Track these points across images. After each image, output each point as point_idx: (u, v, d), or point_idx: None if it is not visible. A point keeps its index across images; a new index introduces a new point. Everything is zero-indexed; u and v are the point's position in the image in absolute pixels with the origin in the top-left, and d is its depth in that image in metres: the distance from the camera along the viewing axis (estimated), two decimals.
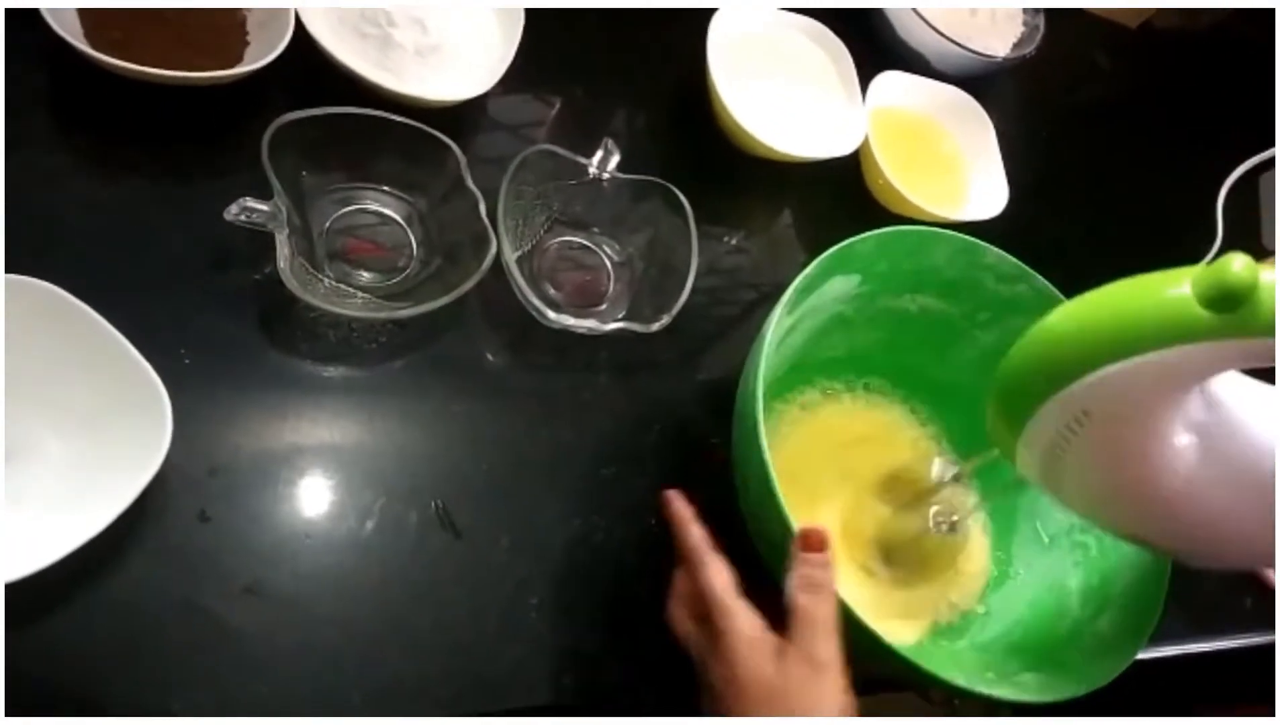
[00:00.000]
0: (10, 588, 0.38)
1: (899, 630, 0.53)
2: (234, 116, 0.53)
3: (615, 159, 0.57)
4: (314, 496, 0.48)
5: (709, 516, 0.52)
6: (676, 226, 0.58)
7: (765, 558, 0.46)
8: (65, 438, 0.43)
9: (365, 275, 0.53)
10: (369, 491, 0.49)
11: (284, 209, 0.47)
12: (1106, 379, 0.33)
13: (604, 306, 0.59)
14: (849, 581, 0.54)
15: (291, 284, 0.46)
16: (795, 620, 0.39)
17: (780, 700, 0.38)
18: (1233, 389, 0.36)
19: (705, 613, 0.42)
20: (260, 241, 0.48)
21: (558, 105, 0.65)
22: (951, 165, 0.74)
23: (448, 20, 0.57)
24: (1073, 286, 0.37)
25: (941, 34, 0.74)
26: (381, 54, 0.55)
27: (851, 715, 0.38)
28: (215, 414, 0.47)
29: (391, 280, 0.53)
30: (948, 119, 0.75)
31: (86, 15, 0.50)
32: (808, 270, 0.47)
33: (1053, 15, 0.83)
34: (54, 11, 0.47)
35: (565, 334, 0.54)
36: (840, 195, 0.70)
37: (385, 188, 0.55)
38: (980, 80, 0.77)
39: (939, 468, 0.52)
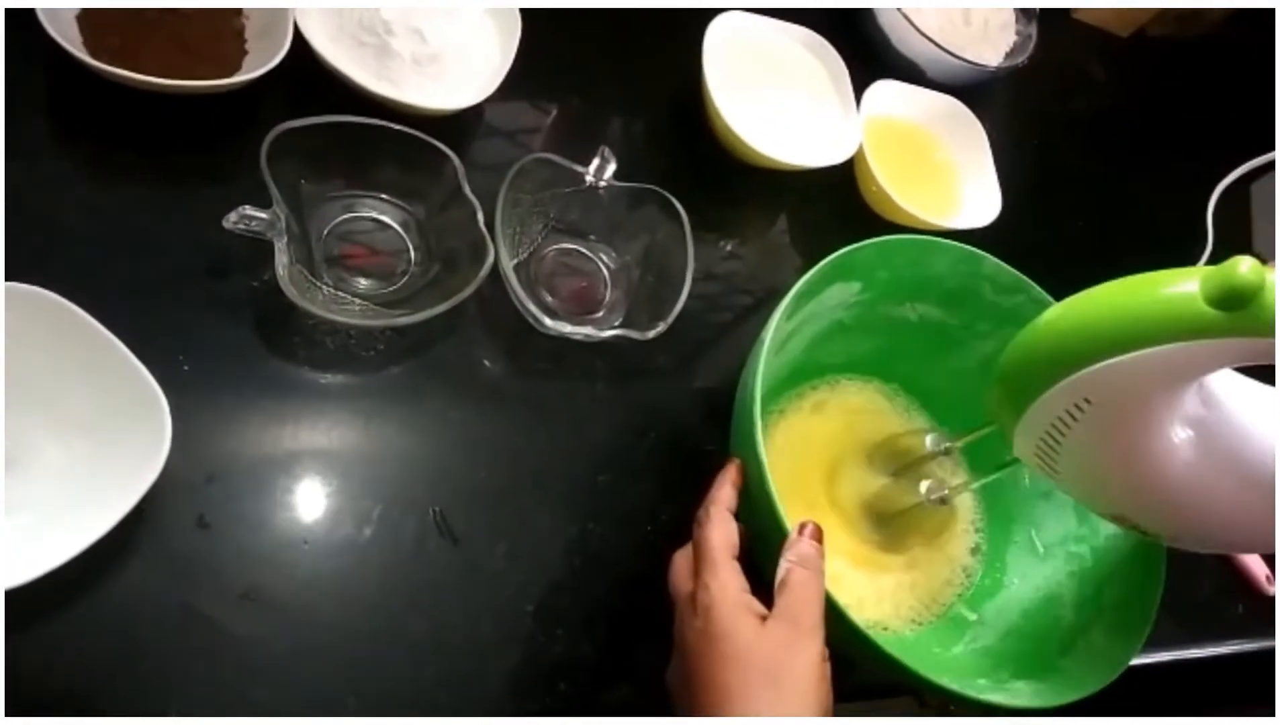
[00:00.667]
0: (10, 592, 0.38)
1: (888, 616, 0.54)
2: (233, 124, 0.54)
3: (612, 167, 0.58)
4: (312, 503, 0.48)
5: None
6: (672, 234, 0.58)
7: (760, 563, 0.46)
8: (65, 444, 0.43)
9: (363, 282, 0.53)
10: (367, 498, 0.49)
11: (283, 217, 0.47)
12: (1110, 369, 0.34)
13: (601, 314, 0.60)
14: (840, 552, 0.54)
15: (290, 292, 0.46)
16: (784, 589, 0.40)
17: (756, 657, 0.38)
18: (1229, 387, 0.38)
19: (697, 567, 0.42)
20: (259, 248, 0.48)
21: (554, 113, 0.65)
22: (945, 173, 0.75)
23: (446, 29, 0.57)
24: (1065, 294, 0.38)
25: (935, 43, 0.74)
26: (380, 63, 0.55)
27: (826, 681, 0.38)
28: (214, 420, 0.48)
29: (389, 287, 0.54)
30: (941, 127, 0.75)
31: (85, 22, 0.50)
32: (808, 276, 0.47)
33: (1045, 24, 0.84)
34: (52, 17, 0.47)
35: (562, 341, 0.55)
36: (835, 203, 0.71)
37: (383, 195, 0.55)
38: (973, 89, 0.78)
39: (932, 440, 0.53)
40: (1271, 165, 0.85)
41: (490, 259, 0.51)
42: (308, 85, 0.54)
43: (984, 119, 0.75)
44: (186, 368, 0.48)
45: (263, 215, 0.47)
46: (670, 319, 0.55)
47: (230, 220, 0.46)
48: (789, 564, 0.41)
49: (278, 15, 0.53)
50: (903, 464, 0.54)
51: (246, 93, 0.52)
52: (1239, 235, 0.87)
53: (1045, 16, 0.84)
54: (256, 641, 0.44)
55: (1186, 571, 0.50)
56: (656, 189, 0.59)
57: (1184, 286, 0.32)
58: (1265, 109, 0.90)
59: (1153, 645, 0.47)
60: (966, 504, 0.59)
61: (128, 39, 0.50)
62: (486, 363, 0.55)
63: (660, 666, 0.44)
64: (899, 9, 0.74)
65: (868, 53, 0.77)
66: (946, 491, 0.52)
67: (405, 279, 0.54)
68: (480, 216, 0.53)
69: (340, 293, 0.51)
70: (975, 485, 0.55)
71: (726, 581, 0.41)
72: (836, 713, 0.39)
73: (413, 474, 0.51)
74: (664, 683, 0.43)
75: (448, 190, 0.54)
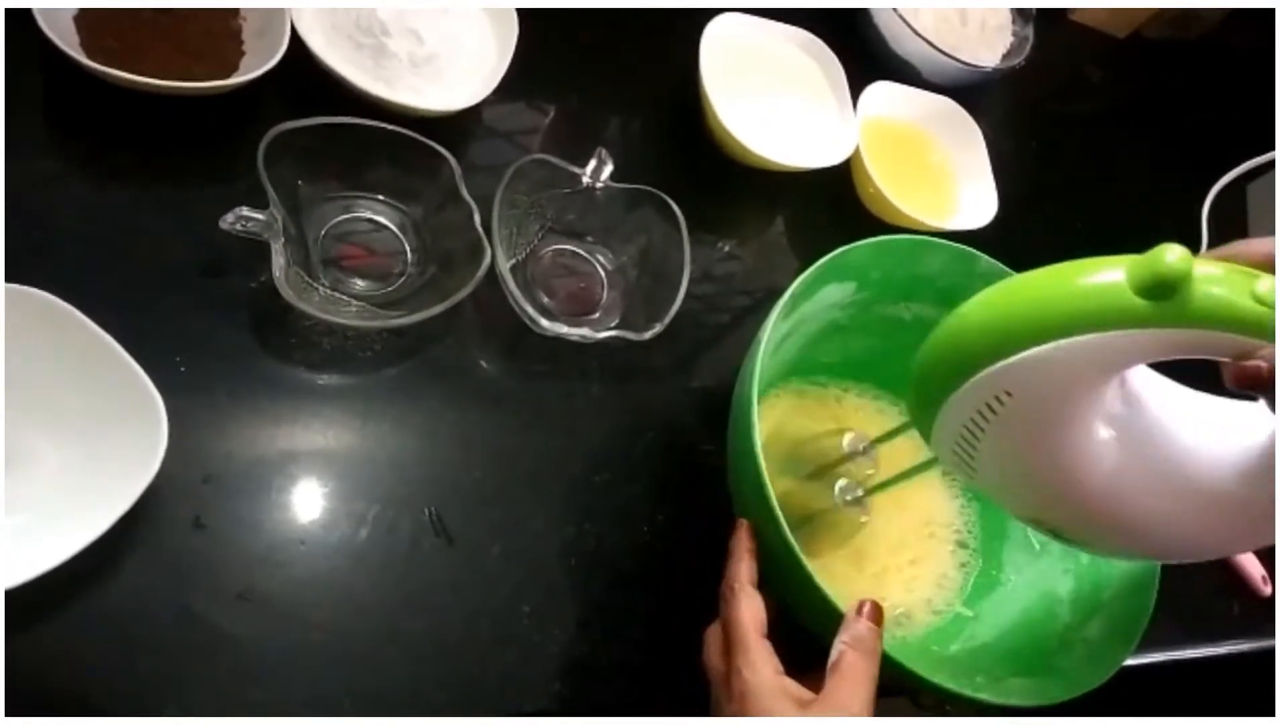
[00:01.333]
0: (9, 592, 0.38)
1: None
2: (230, 124, 0.54)
3: (609, 168, 0.58)
4: (308, 503, 0.48)
5: (700, 522, 0.53)
6: (669, 235, 0.59)
7: (772, 586, 0.46)
8: (61, 445, 0.43)
9: (360, 283, 0.53)
10: (363, 498, 0.49)
11: (279, 218, 0.47)
12: (1031, 360, 0.33)
13: (597, 315, 0.60)
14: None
15: (287, 293, 0.46)
16: (835, 672, 0.39)
17: None
18: (1149, 385, 0.37)
19: (728, 646, 0.42)
20: (255, 247, 0.48)
21: (551, 114, 0.65)
22: (941, 175, 0.75)
23: (442, 30, 0.57)
24: None
25: (932, 44, 0.74)
26: (376, 64, 0.55)
27: None
28: (210, 421, 0.48)
29: (386, 288, 0.54)
30: (938, 129, 0.76)
31: (82, 22, 0.50)
32: (804, 276, 0.47)
33: (1042, 26, 0.84)
34: (49, 17, 0.47)
35: (558, 341, 0.55)
36: (831, 204, 0.71)
37: (380, 196, 0.55)
38: (970, 90, 0.78)
39: (850, 441, 0.52)
40: (1267, 166, 0.85)
41: (487, 260, 0.51)
42: (305, 86, 0.54)
43: (980, 120, 0.76)
44: (183, 368, 0.48)
45: (259, 216, 0.47)
46: (666, 320, 0.55)
47: (227, 221, 0.46)
48: (843, 646, 0.39)
49: (275, 16, 0.53)
50: (821, 465, 0.53)
51: (243, 93, 0.52)
52: (1235, 236, 0.87)
53: (1042, 17, 0.85)
54: (253, 641, 0.44)
55: (1183, 571, 0.50)
56: (653, 190, 0.59)
57: (1109, 275, 0.31)
58: (1261, 110, 0.90)
59: (1148, 645, 0.47)
60: (952, 507, 0.59)
61: (125, 39, 0.50)
62: (483, 363, 0.55)
63: (654, 667, 0.44)
64: (895, 10, 0.74)
65: (865, 54, 0.77)
66: (861, 492, 0.52)
67: (402, 280, 0.54)
68: (477, 217, 0.53)
69: (337, 294, 0.51)
70: (887, 485, 0.53)
71: (760, 665, 0.40)
72: None
73: (409, 474, 0.51)
74: (658, 686, 0.43)
75: (444, 191, 0.54)
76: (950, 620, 0.55)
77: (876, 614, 0.41)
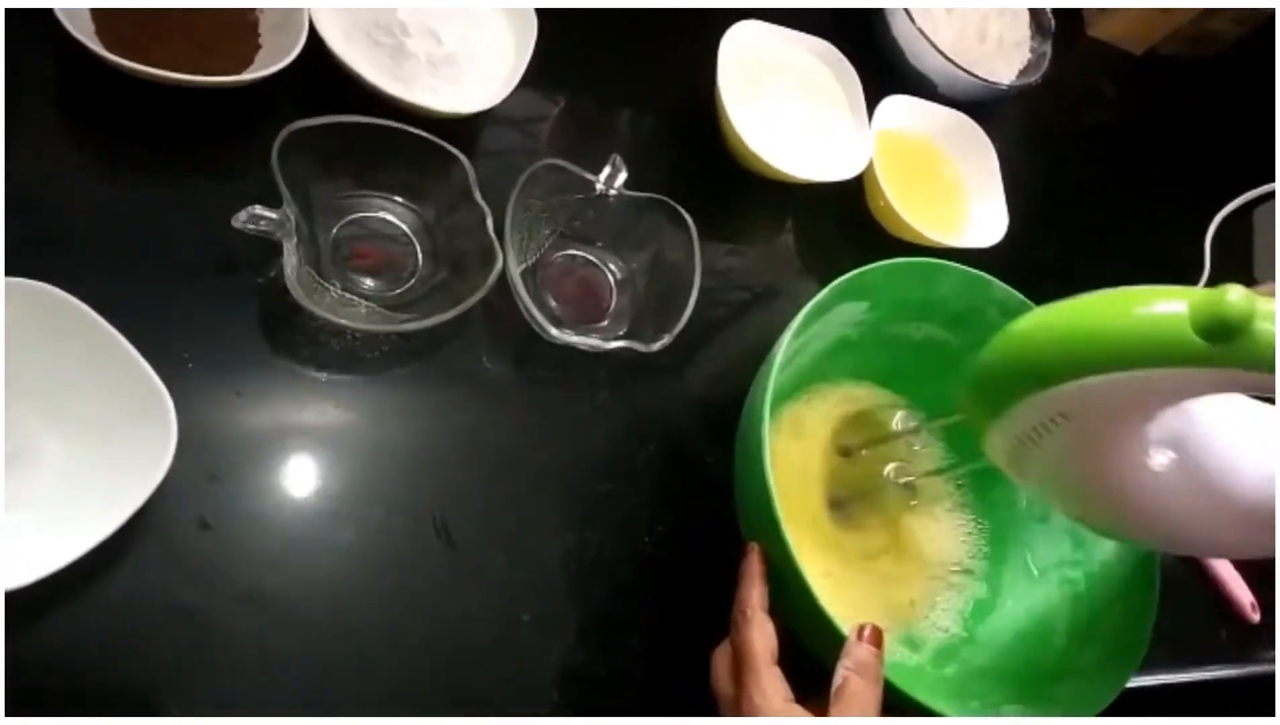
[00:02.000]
0: (12, 590, 0.38)
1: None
2: (244, 119, 0.53)
3: (622, 176, 0.58)
4: (313, 505, 0.48)
5: (701, 533, 0.53)
6: (680, 243, 0.58)
7: (779, 609, 0.46)
8: (68, 443, 0.43)
9: (370, 283, 0.53)
10: (368, 501, 0.49)
11: (292, 217, 0.47)
12: (1090, 388, 0.33)
13: (606, 321, 0.59)
14: (803, 536, 0.54)
15: (297, 293, 0.46)
16: (839, 698, 0.39)
17: None
18: (1210, 405, 0.37)
19: (739, 671, 0.42)
20: (267, 246, 0.48)
21: (566, 119, 0.65)
22: (953, 191, 0.75)
23: (461, 31, 0.57)
24: None
25: (949, 59, 0.74)
26: (394, 63, 0.55)
27: None
28: (217, 419, 0.47)
29: (396, 289, 0.54)
30: (951, 144, 0.75)
31: (99, 14, 0.50)
32: (819, 297, 0.47)
33: (1059, 42, 0.84)
34: (66, 8, 0.47)
35: (567, 348, 0.55)
36: (843, 216, 0.71)
37: (393, 197, 0.55)
38: (986, 105, 0.78)
39: (902, 417, 0.52)
40: (1270, 195, 0.85)
41: (498, 265, 0.51)
42: (320, 84, 0.54)
43: (995, 136, 0.75)
44: (191, 366, 0.47)
45: (272, 215, 0.46)
46: (675, 332, 0.54)
47: (239, 219, 0.46)
48: (845, 672, 0.40)
49: (292, 12, 0.53)
50: (871, 438, 0.53)
51: (258, 89, 0.51)
52: (1243, 260, 0.87)
53: (1060, 33, 0.84)
54: (255, 642, 0.44)
55: (1172, 597, 0.50)
56: (665, 199, 0.58)
57: (1171, 307, 0.31)
58: (1275, 124, 0.90)
59: (1141, 670, 0.47)
60: (957, 521, 0.60)
61: (141, 32, 0.50)
62: (490, 368, 0.55)
63: (652, 676, 0.44)
64: (917, 25, 0.73)
65: (882, 67, 0.77)
66: (913, 477, 0.52)
67: (412, 281, 0.54)
68: (490, 222, 0.52)
69: (348, 295, 0.51)
70: (939, 473, 0.53)
71: (770, 692, 0.40)
72: None
73: (414, 478, 0.51)
74: (656, 695, 0.43)
75: (458, 194, 0.54)
76: (946, 642, 0.55)
77: (877, 637, 0.41)
